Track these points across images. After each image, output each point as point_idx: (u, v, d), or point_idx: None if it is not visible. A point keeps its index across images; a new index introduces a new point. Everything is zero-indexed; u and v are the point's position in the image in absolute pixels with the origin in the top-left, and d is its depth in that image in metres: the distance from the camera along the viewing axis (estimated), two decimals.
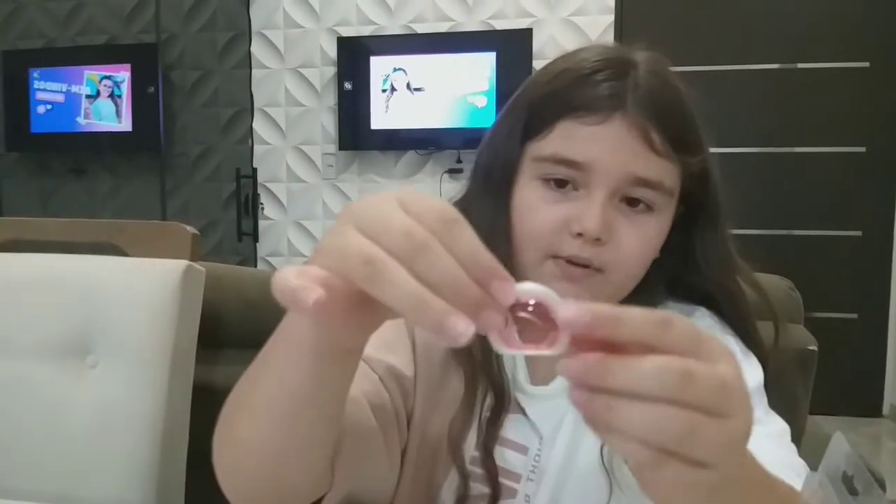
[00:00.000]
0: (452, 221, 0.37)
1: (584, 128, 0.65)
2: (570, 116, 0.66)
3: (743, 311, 0.74)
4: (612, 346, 0.36)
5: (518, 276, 0.72)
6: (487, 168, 0.73)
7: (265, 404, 0.50)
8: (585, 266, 0.66)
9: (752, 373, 0.71)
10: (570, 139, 0.66)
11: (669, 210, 0.68)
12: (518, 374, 0.74)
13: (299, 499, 0.56)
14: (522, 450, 0.72)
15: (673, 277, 0.74)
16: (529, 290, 0.38)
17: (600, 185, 0.65)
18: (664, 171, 0.66)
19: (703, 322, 0.73)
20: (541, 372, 0.74)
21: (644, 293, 0.72)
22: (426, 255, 0.36)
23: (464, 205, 0.76)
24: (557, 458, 0.71)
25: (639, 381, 0.35)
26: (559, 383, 0.73)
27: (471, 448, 0.72)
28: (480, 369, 0.72)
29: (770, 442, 0.63)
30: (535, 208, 0.68)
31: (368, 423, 0.63)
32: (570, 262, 0.66)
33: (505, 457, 0.72)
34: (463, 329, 0.35)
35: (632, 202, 0.66)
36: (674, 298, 0.75)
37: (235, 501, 0.55)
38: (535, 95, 0.70)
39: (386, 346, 0.71)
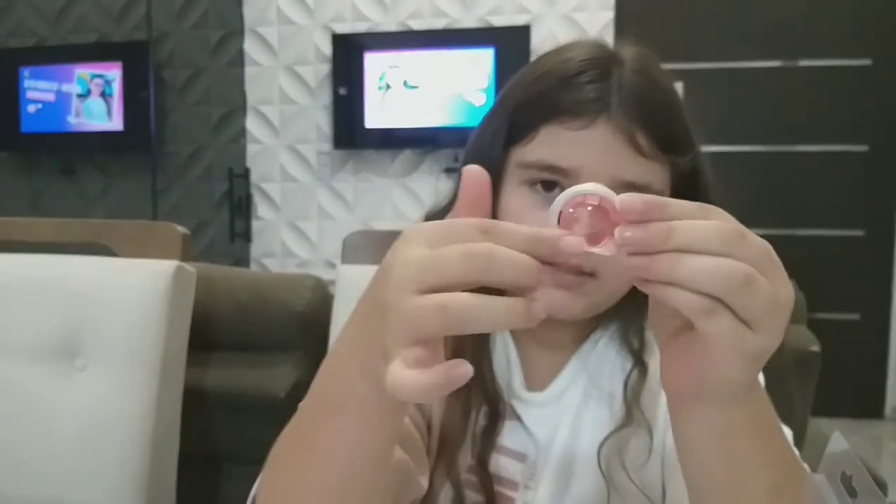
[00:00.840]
0: (490, 224, 0.40)
1: (569, 133, 0.64)
2: (554, 121, 0.65)
3: None
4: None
5: None
6: None
7: (325, 480, 0.49)
8: (578, 273, 0.64)
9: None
10: (554, 145, 0.65)
11: None
12: (513, 380, 0.73)
13: None
14: (520, 457, 0.71)
15: None
16: (591, 189, 0.42)
17: None
18: (652, 174, 0.64)
19: None
20: (536, 378, 0.73)
21: (633, 297, 0.70)
22: (495, 263, 0.38)
23: (449, 211, 0.75)
24: (554, 465, 0.70)
25: (701, 236, 0.39)
26: (554, 389, 0.72)
27: (467, 457, 0.71)
28: (474, 380, 0.70)
29: None
30: (522, 215, 0.66)
31: (401, 456, 0.62)
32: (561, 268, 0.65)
33: (502, 465, 0.71)
34: (539, 311, 0.39)
35: None
36: None
37: None
38: (518, 100, 0.69)
39: None
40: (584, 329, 0.74)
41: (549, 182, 0.65)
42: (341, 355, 0.47)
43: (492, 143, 0.69)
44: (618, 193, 0.62)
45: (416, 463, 0.65)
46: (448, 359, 0.71)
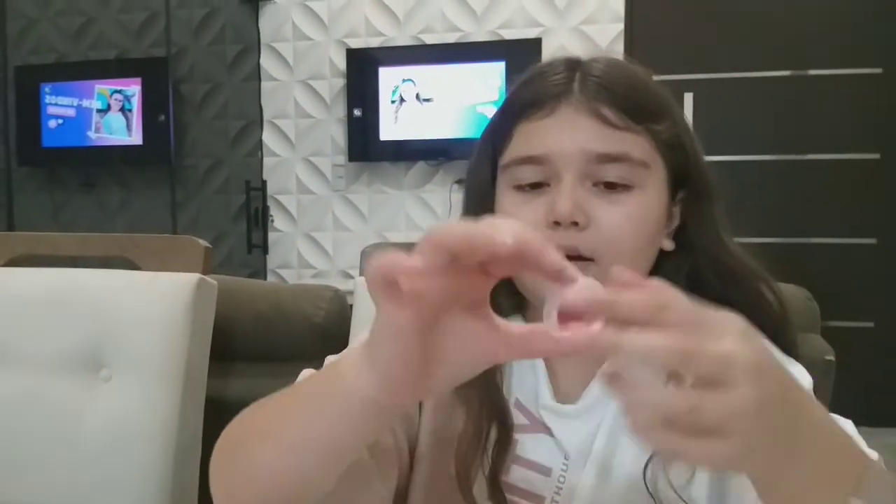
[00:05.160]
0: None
1: (537, 123, 0.67)
2: (523, 118, 0.68)
3: (770, 312, 0.70)
4: None
5: (524, 286, 0.70)
6: (471, 197, 0.74)
7: (297, 442, 0.50)
8: (576, 258, 0.64)
9: (803, 377, 0.68)
10: (526, 138, 0.68)
11: (653, 184, 0.67)
12: (541, 391, 0.71)
13: None
14: (545, 471, 0.69)
15: (691, 275, 0.71)
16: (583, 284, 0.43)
17: (565, 172, 0.65)
18: (627, 143, 0.65)
19: None
20: (565, 388, 0.71)
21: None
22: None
23: None
24: (588, 478, 0.68)
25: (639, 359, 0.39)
26: (587, 399, 0.70)
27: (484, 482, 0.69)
28: (484, 403, 0.69)
29: None
30: (511, 214, 0.68)
31: (360, 456, 0.61)
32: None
33: (527, 478, 0.69)
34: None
35: (610, 185, 0.66)
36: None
37: None
38: (496, 116, 0.72)
39: None
40: None
41: (536, 183, 0.67)
42: (342, 359, 0.49)
43: (480, 161, 0.73)
44: (594, 165, 0.65)
45: (379, 468, 0.63)
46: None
